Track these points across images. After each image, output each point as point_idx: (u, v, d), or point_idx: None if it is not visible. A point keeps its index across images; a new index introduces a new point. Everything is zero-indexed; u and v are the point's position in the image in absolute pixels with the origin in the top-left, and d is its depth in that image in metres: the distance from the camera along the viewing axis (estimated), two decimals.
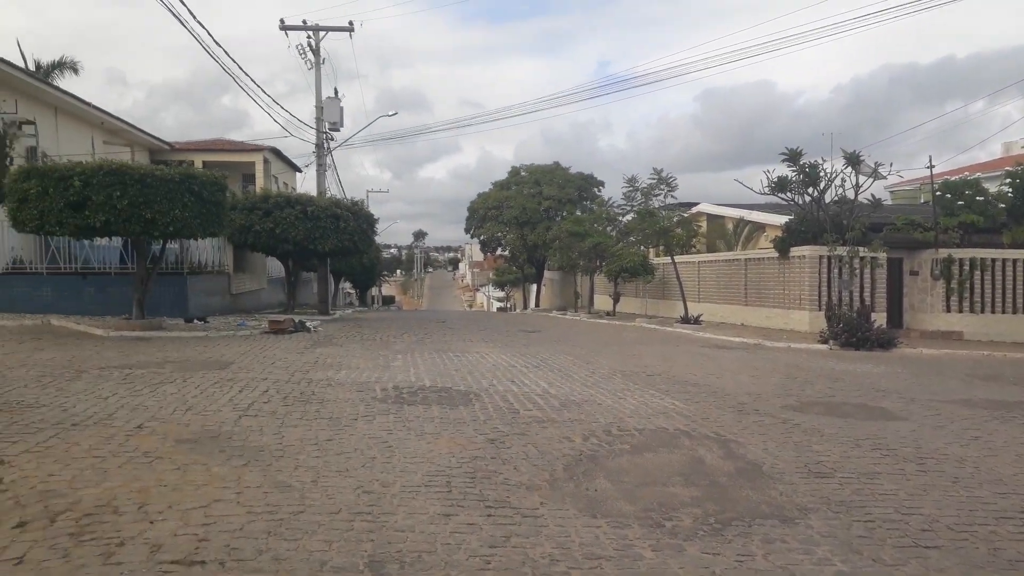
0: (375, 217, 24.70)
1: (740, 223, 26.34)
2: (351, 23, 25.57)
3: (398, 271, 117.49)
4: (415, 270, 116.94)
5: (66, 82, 28.30)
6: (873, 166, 17.96)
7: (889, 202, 29.12)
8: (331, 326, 18.86)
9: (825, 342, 16.31)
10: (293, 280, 23.72)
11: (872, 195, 18.89)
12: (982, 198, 20.91)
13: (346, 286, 48.95)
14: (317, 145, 25.45)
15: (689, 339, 17.88)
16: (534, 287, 46.33)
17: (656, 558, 4.06)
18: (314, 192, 24.79)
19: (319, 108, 25.25)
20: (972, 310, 18.78)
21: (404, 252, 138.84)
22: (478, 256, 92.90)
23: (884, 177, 18.34)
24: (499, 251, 46.81)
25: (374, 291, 59.32)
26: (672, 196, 23.11)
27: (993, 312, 18.78)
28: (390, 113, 34.34)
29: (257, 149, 34.26)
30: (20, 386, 8.22)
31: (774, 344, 16.36)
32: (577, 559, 4.00)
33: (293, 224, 20.64)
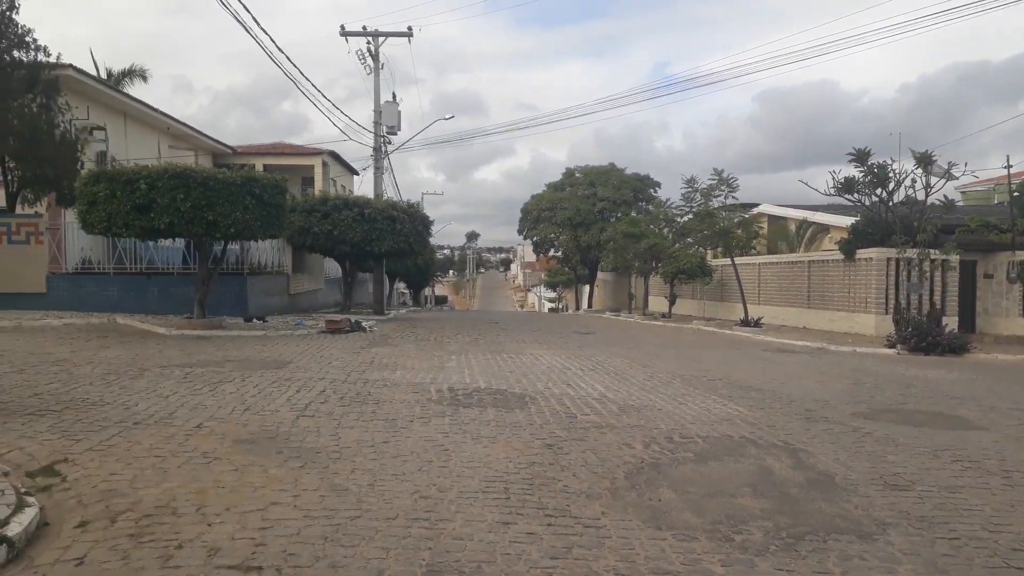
0: (430, 219, 24.80)
1: (803, 224, 25.61)
2: (410, 28, 25.79)
3: (451, 272, 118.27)
4: (467, 271, 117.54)
5: (135, 89, 29.27)
6: (946, 167, 17.23)
7: (960, 203, 27.94)
8: (386, 326, 18.97)
9: (893, 346, 15.66)
10: (349, 281, 23.98)
11: (944, 196, 18.11)
12: None
13: (400, 286, 49.41)
14: (374, 149, 25.70)
15: (750, 342, 17.40)
16: (587, 288, 46.00)
17: (727, 574, 3.85)
18: (371, 195, 25.02)
19: (377, 112, 25.49)
20: None
21: (457, 253, 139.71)
22: (530, 257, 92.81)
23: (956, 178, 17.58)
24: (552, 252, 46.63)
25: (427, 291, 59.80)
26: (733, 197, 22.62)
27: None
28: (447, 116, 34.52)
29: (316, 153, 34.84)
30: (86, 383, 8.40)
31: (839, 348, 15.79)
32: (643, 573, 3.82)
33: (350, 226, 20.85)
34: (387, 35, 25.87)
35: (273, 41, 37.96)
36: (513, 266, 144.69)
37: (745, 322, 21.34)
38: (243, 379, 9.12)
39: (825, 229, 24.27)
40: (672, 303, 26.92)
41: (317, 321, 17.69)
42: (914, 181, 17.68)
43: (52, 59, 18.05)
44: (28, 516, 4.02)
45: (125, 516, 4.30)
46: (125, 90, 27.01)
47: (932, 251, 17.08)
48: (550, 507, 4.79)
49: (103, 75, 27.76)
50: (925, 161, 17.18)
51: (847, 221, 20.88)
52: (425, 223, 23.92)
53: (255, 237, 15.91)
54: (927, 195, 17.61)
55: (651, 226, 29.04)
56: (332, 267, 26.63)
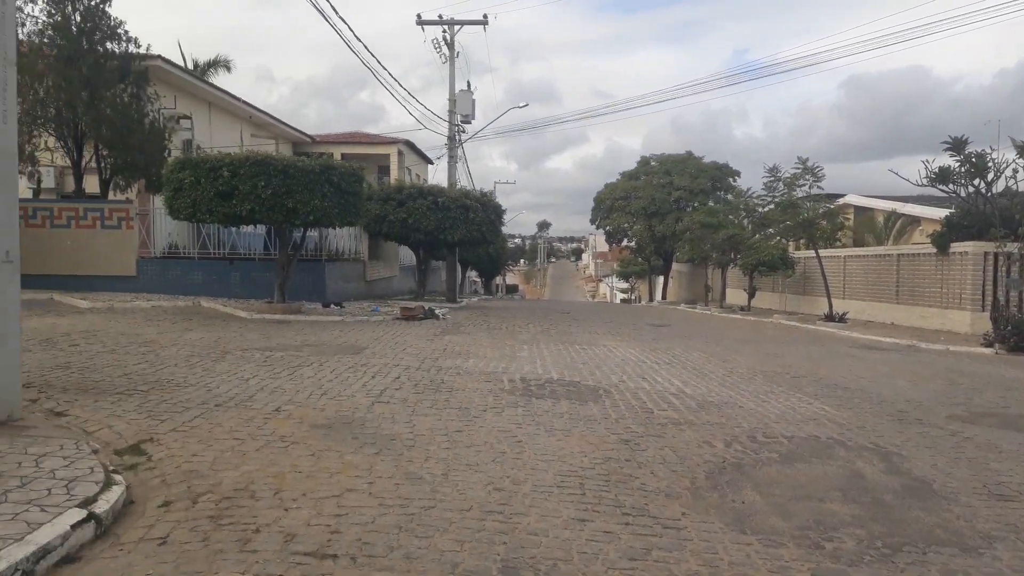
0: (503, 208, 24.79)
1: (892, 216, 24.46)
2: (485, 16, 25.77)
3: (522, 261, 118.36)
4: (538, 260, 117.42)
5: (219, 79, 30.25)
6: None
7: None
8: (458, 314, 19.05)
9: (990, 345, 14.75)
10: (423, 268, 24.21)
11: None
12: None
13: (472, 275, 49.73)
14: (449, 137, 25.83)
15: (835, 338, 16.71)
16: (660, 279, 45.27)
17: None
18: (445, 183, 25.19)
19: (451, 101, 25.60)
20: None
21: (528, 242, 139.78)
22: (602, 247, 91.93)
23: None
24: (625, 242, 46.05)
25: (498, 280, 60.02)
26: (818, 187, 21.72)
27: None
28: (521, 105, 34.38)
29: (392, 142, 35.33)
30: (171, 365, 8.67)
31: (930, 346, 14.98)
32: None
33: (424, 214, 21.02)
34: (462, 23, 25.91)
35: (351, 29, 38.65)
36: (584, 256, 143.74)
37: (829, 317, 20.54)
38: (320, 364, 9.26)
39: (915, 221, 23.12)
40: (751, 296, 26.16)
41: (392, 308, 17.90)
42: (1015, 171, 16.58)
43: (142, 50, 18.76)
44: (115, 494, 4.12)
45: (206, 497, 4.36)
46: (210, 80, 27.91)
47: None
48: (627, 505, 4.63)
49: (190, 66, 28.75)
50: None
51: (940, 213, 19.82)
52: (497, 212, 23.91)
53: (333, 224, 16.17)
54: None
55: (730, 216, 28.26)
56: (407, 255, 26.95)
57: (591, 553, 3.86)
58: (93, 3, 17.68)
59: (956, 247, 18.00)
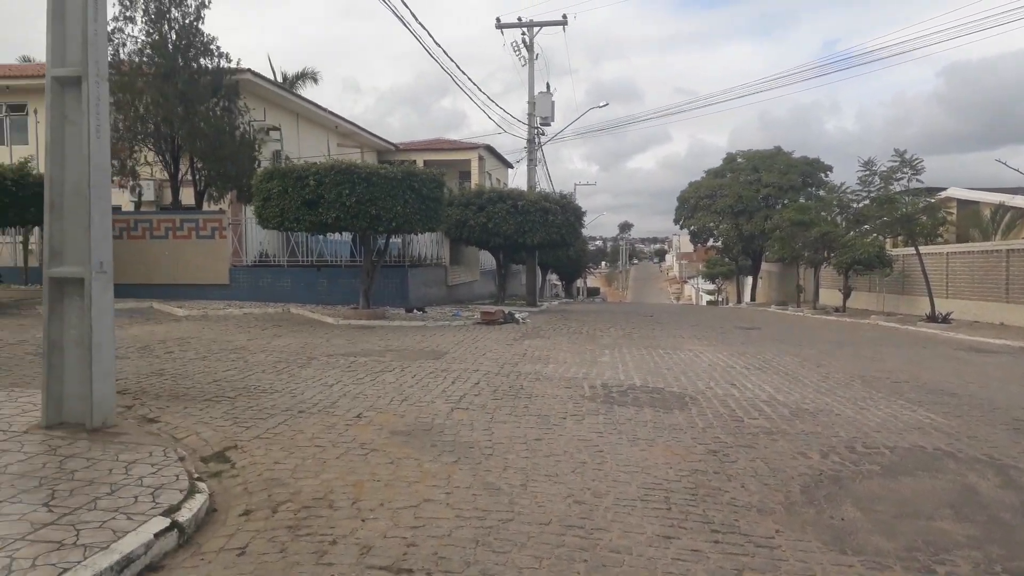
0: (582, 210, 24.52)
1: (999, 209, 22.87)
2: (564, 16, 25.60)
3: (603, 263, 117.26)
4: (620, 262, 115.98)
5: (307, 91, 31.21)
6: None
7: None
8: (538, 318, 18.92)
9: None
10: (503, 272, 24.22)
11: None
12: None
13: (552, 278, 49.55)
14: (528, 140, 25.76)
15: (938, 340, 15.70)
16: (749, 280, 43.91)
17: None
18: (525, 187, 25.13)
19: (531, 104, 25.53)
20: None
21: (609, 244, 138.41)
22: (687, 247, 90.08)
23: None
24: (710, 242, 44.88)
25: (579, 283, 59.61)
26: (917, 180, 20.53)
27: None
28: (601, 104, 33.97)
29: (472, 147, 35.61)
30: (259, 371, 8.87)
31: None
32: None
33: (504, 218, 21.01)
34: (541, 25, 25.81)
35: (431, 35, 39.12)
36: (668, 257, 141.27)
37: (931, 317, 19.36)
38: (402, 369, 9.30)
39: None
40: (846, 296, 24.99)
41: (473, 312, 17.95)
42: None
43: (233, 65, 19.51)
44: (198, 502, 4.16)
45: (285, 507, 4.36)
46: (298, 92, 28.83)
47: None
48: (716, 521, 4.37)
49: (279, 79, 29.78)
50: None
51: None
52: (577, 214, 23.66)
53: (414, 230, 16.34)
54: None
55: (822, 213, 27.08)
56: (487, 259, 27.05)
57: (677, 573, 3.65)
58: (187, 21, 18.51)
59: None
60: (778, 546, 4.03)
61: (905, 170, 20.50)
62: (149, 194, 21.05)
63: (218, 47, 19.04)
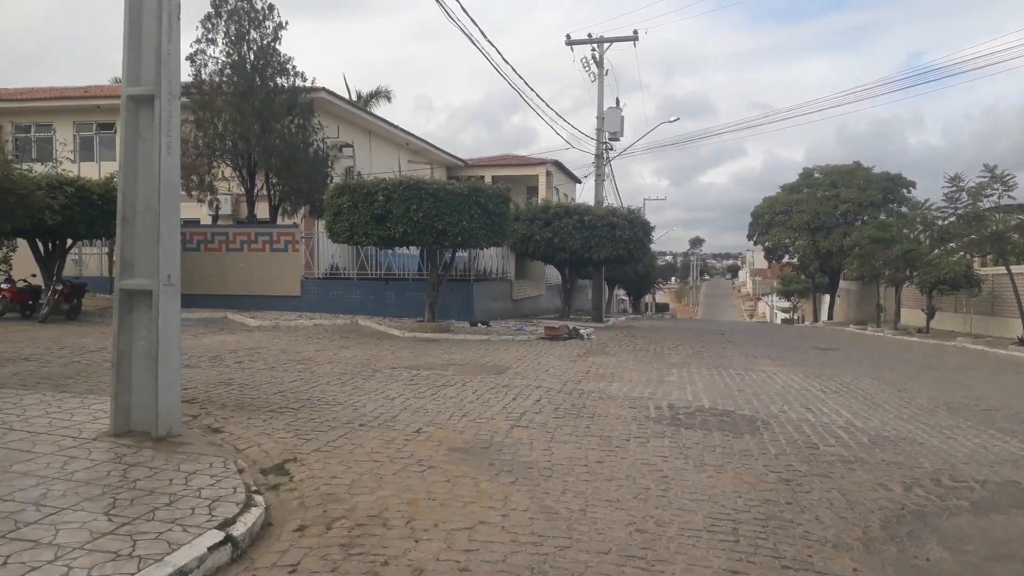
0: (651, 225, 24.13)
1: None
2: (635, 32, 25.38)
3: (672, 278, 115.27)
4: (691, 277, 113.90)
5: (380, 109, 31.91)
6: None
7: None
8: (604, 334, 18.64)
9: None
10: (568, 287, 24.03)
11: None
12: None
13: (620, 293, 48.98)
14: (596, 156, 25.56)
15: None
16: (826, 298, 42.39)
17: None
18: (592, 202, 24.92)
19: (600, 119, 25.35)
20: None
21: (680, 259, 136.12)
22: (760, 263, 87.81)
23: None
24: (786, 258, 43.55)
25: (647, 298, 58.76)
26: (1008, 196, 19.45)
27: None
28: (671, 119, 33.54)
29: (540, 163, 35.64)
30: (324, 383, 8.95)
31: None
32: None
33: (570, 233, 20.85)
34: (611, 41, 25.64)
35: (500, 53, 39.40)
36: (741, 273, 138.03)
37: None
38: (463, 383, 9.23)
39: None
40: (930, 317, 23.79)
41: (537, 327, 17.82)
42: None
43: (308, 84, 20.05)
44: (253, 516, 4.15)
45: (339, 523, 4.30)
46: (371, 110, 29.46)
47: None
48: (788, 556, 4.10)
49: (353, 97, 30.52)
50: None
51: None
52: (645, 229, 23.30)
53: (480, 245, 16.36)
54: None
55: (904, 230, 25.91)
56: (553, 274, 26.93)
57: None
58: (265, 42, 19.13)
59: None
60: None
61: (996, 186, 19.45)
62: (226, 208, 21.75)
63: (294, 67, 19.61)
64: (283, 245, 19.17)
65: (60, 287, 15.17)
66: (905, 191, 36.31)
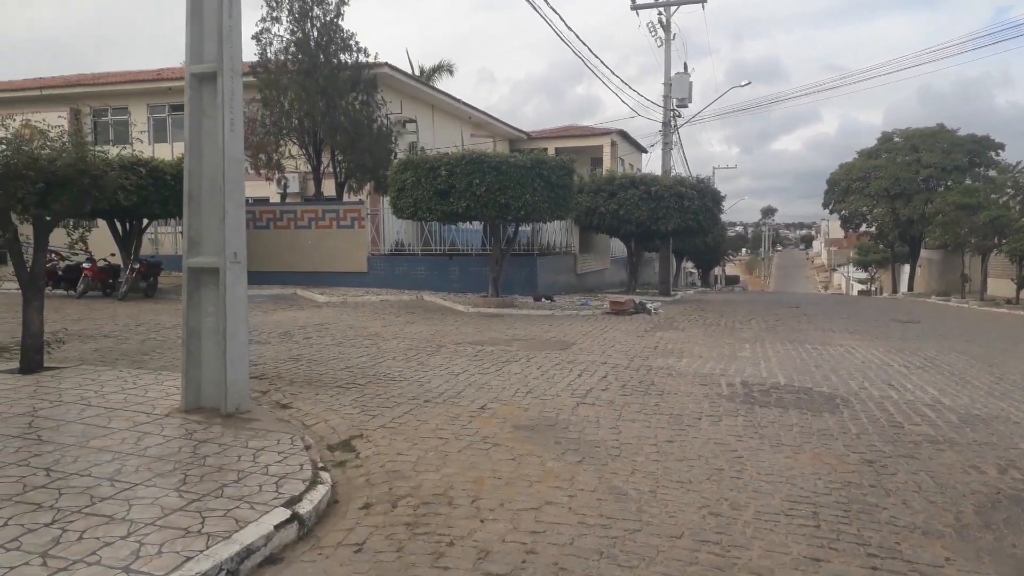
0: (721, 194, 23.43)
1: None
2: None
3: (743, 250, 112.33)
4: (762, 248, 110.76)
5: (443, 83, 31.81)
6: None
7: None
8: (672, 308, 18.25)
9: None
10: (635, 260, 23.63)
11: None
12: None
13: (688, 266, 48.02)
14: (664, 123, 24.90)
15: None
16: (906, 268, 40.66)
17: None
18: (659, 172, 24.35)
19: (667, 85, 24.63)
20: None
21: (751, 230, 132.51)
22: (836, 233, 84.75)
23: None
24: (863, 227, 41.86)
25: (716, 271, 57.47)
26: None
27: None
28: (742, 84, 32.42)
29: (605, 133, 35.02)
30: (390, 358, 8.98)
31: None
32: None
33: (636, 205, 20.43)
34: (679, 3, 24.82)
35: (563, 20, 38.80)
36: (815, 243, 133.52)
37: None
38: (528, 359, 9.13)
39: None
40: (1020, 287, 22.50)
41: (602, 301, 17.57)
42: None
43: (371, 59, 20.07)
44: (319, 494, 4.14)
45: (405, 502, 4.26)
46: (434, 84, 29.39)
47: None
48: (873, 543, 3.86)
49: (416, 72, 30.49)
50: None
51: None
52: (715, 199, 22.63)
53: (543, 218, 16.17)
54: None
55: (992, 195, 24.52)
56: (617, 246, 26.52)
57: None
58: (328, 19, 19.20)
59: None
60: None
61: None
62: (294, 186, 22.09)
63: (357, 43, 19.64)
64: (349, 222, 19.38)
65: (137, 266, 15.71)
66: (993, 154, 34.31)
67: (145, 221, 17.18)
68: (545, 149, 31.09)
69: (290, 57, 19.01)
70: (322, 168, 20.47)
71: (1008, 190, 24.20)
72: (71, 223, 8.00)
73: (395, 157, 19.53)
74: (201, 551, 3.31)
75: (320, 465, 4.68)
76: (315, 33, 19.06)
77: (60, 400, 5.96)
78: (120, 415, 5.55)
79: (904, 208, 34.70)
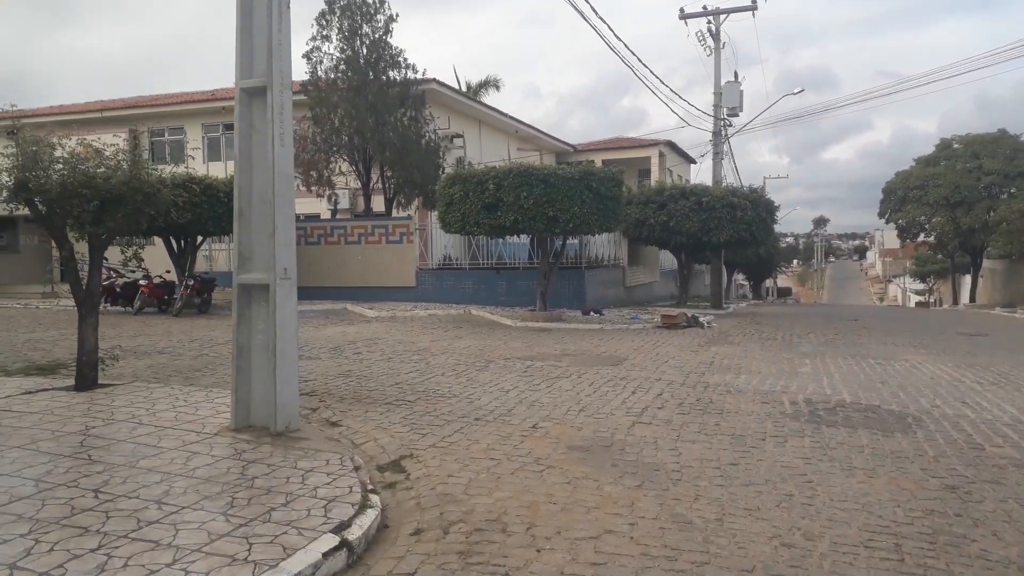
0: (775, 204, 22.85)
1: None
2: (753, 1, 24.01)
3: (794, 261, 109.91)
4: (815, 260, 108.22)
5: (489, 98, 31.87)
6: None
7: None
8: (725, 321, 17.78)
9: None
10: (685, 273, 23.17)
11: None
12: None
13: (739, 277, 47.04)
14: (714, 133, 24.45)
15: None
16: (967, 278, 39.13)
17: None
18: (709, 183, 23.88)
19: (717, 95, 24.20)
20: None
21: (802, 241, 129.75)
22: (891, 243, 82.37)
23: None
24: (921, 237, 40.45)
25: (768, 283, 56.23)
26: None
27: None
28: (795, 91, 31.69)
29: (653, 144, 34.67)
30: (439, 374, 8.85)
31: None
32: None
33: (687, 216, 20.02)
34: (728, 11, 24.39)
35: (611, 29, 38.65)
36: (869, 254, 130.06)
37: None
38: (579, 375, 8.90)
39: None
40: None
41: (652, 315, 17.22)
42: None
43: (419, 75, 20.18)
44: (369, 518, 3.99)
45: (457, 528, 4.08)
46: (481, 99, 29.46)
47: None
48: None
49: (463, 88, 30.61)
50: None
51: None
52: (769, 209, 22.06)
53: (592, 231, 15.94)
54: None
55: None
56: (667, 258, 26.09)
57: None
58: (377, 36, 19.38)
59: None
60: None
61: None
62: (344, 202, 22.28)
63: (405, 59, 19.77)
64: (398, 237, 19.44)
65: (191, 282, 15.97)
66: None
67: (200, 238, 17.49)
68: (592, 161, 30.87)
69: (340, 75, 19.23)
70: (371, 184, 20.61)
71: None
72: (124, 241, 8.09)
73: (443, 172, 19.55)
74: None
75: (370, 487, 4.54)
76: (364, 50, 19.25)
77: (112, 418, 5.97)
78: (170, 434, 5.51)
79: (965, 217, 33.42)
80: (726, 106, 24.13)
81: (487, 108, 27.28)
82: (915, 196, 36.05)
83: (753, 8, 23.96)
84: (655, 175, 33.30)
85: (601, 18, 28.14)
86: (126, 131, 24.15)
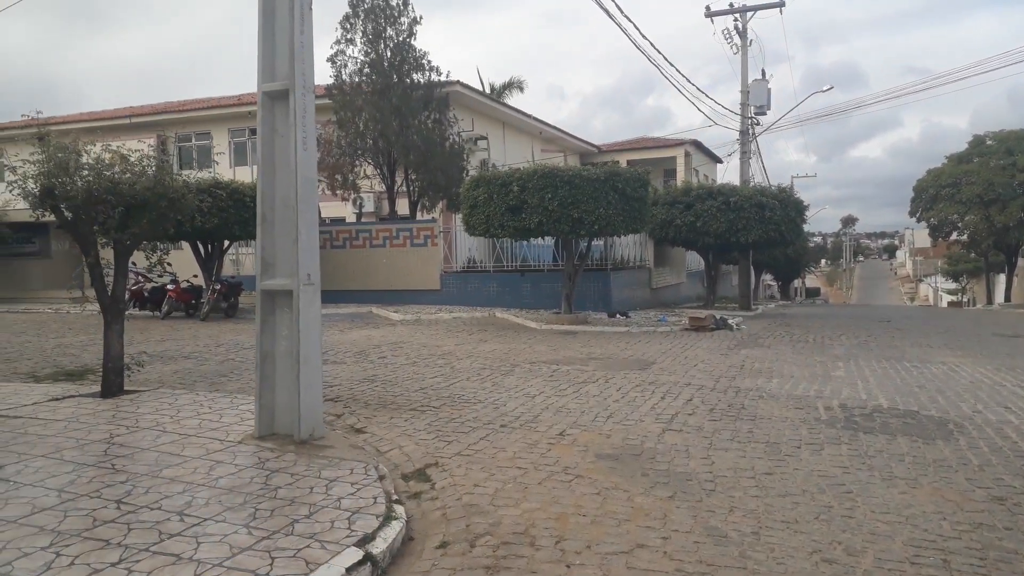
0: (804, 203, 22.47)
1: None
2: None
3: (823, 261, 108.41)
4: (844, 259, 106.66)
5: (513, 100, 31.76)
6: None
7: None
8: (754, 323, 17.49)
9: None
10: (712, 274, 22.87)
11: None
12: None
13: (767, 278, 46.42)
14: (741, 132, 24.11)
15: None
16: (1001, 277, 38.29)
17: None
18: (736, 182, 23.56)
19: (744, 93, 23.87)
20: None
21: (831, 240, 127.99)
22: (922, 242, 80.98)
23: None
24: (953, 235, 39.63)
25: (796, 283, 55.46)
26: None
27: None
28: (824, 88, 31.07)
29: (678, 143, 34.35)
30: (464, 379, 8.75)
31: None
32: None
33: (714, 216, 19.74)
34: (755, 8, 24.04)
35: (636, 27, 38.37)
36: (899, 253, 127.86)
37: None
38: (606, 380, 8.75)
39: None
40: None
41: (679, 317, 16.99)
42: None
43: (442, 78, 20.14)
44: (394, 531, 3.89)
45: (484, 541, 3.97)
46: (504, 101, 29.38)
47: None
48: None
49: (487, 89, 30.55)
50: None
51: None
52: (798, 208, 21.67)
53: (618, 232, 15.75)
54: None
55: None
56: (694, 259, 25.80)
57: None
58: (401, 39, 19.38)
59: None
60: None
61: None
62: (369, 206, 22.32)
63: (429, 61, 19.76)
64: (423, 240, 19.40)
65: (218, 286, 16.05)
66: None
67: (226, 243, 17.59)
68: (616, 162, 30.64)
69: (364, 78, 19.25)
70: (396, 187, 20.61)
71: None
72: (150, 246, 8.09)
73: (467, 174, 19.48)
74: None
75: (394, 497, 4.44)
76: (388, 54, 19.26)
77: (136, 426, 5.94)
78: (194, 442, 5.47)
79: (999, 215, 32.66)
80: (753, 104, 23.80)
81: (511, 109, 27.20)
82: (947, 194, 35.33)
83: (781, 4, 23.61)
84: (681, 175, 32.98)
85: (627, 16, 27.83)
86: (154, 137, 24.44)
